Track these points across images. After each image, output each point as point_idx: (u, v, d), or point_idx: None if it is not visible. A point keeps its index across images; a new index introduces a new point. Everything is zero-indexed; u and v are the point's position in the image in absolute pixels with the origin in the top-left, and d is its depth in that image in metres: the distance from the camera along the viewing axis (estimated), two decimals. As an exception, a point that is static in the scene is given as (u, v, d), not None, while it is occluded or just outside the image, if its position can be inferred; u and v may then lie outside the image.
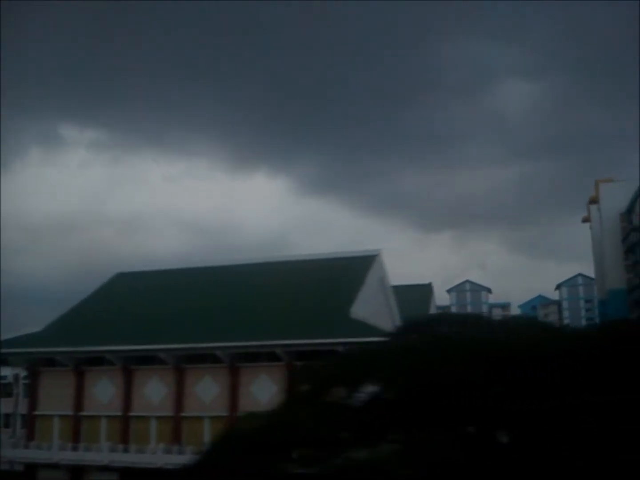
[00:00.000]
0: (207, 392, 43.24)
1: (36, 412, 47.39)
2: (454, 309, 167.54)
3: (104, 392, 46.14)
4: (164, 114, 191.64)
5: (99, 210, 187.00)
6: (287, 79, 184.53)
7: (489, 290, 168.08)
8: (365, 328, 38.16)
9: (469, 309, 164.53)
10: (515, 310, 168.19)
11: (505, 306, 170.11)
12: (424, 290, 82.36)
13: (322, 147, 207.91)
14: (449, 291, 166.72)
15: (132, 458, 41.67)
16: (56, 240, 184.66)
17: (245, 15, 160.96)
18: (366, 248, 52.57)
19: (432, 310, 76.36)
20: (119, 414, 44.82)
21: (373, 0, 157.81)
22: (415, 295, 74.39)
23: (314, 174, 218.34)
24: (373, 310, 49.73)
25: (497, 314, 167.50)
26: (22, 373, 55.79)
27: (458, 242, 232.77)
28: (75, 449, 43.90)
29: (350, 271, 49.68)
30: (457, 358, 15.14)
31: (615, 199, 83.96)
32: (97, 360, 46.15)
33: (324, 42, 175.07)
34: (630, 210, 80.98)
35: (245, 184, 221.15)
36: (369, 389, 16.37)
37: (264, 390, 40.21)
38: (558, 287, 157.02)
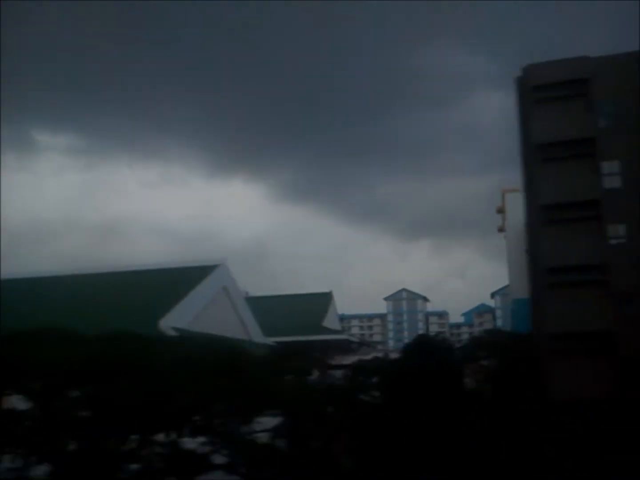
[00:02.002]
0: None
1: None
2: (390, 317, 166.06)
3: None
4: (138, 119, 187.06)
5: (74, 216, 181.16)
6: (264, 85, 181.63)
7: (425, 299, 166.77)
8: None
9: (405, 318, 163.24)
10: (458, 319, 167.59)
11: (442, 315, 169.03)
12: (323, 299, 79.90)
13: (300, 154, 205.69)
14: (385, 299, 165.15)
15: None
16: (31, 247, 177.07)
17: (221, 21, 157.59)
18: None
19: (331, 319, 73.70)
20: None
21: (353, 8, 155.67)
22: (313, 304, 71.70)
23: (291, 180, 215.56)
24: (209, 320, 45.85)
25: (433, 322, 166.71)
26: None
27: (437, 250, 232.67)
28: None
29: (181, 281, 45.80)
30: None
31: (520, 209, 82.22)
32: None
33: (302, 49, 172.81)
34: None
35: (223, 190, 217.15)
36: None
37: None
38: (492, 295, 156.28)
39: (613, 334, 28.55)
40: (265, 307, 71.90)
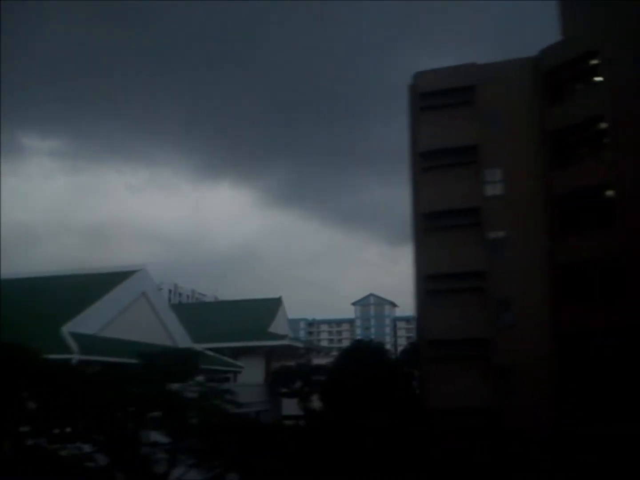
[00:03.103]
0: None
1: None
2: (358, 322, 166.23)
3: None
4: (125, 123, 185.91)
5: (61, 220, 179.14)
6: (252, 91, 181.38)
7: (393, 304, 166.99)
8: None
9: (373, 322, 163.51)
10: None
11: (409, 319, 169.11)
12: (272, 305, 79.85)
13: (288, 160, 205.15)
14: (353, 304, 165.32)
15: None
16: (17, 251, 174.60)
17: (209, 29, 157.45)
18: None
19: (280, 324, 73.53)
20: None
21: (339, 17, 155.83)
22: (261, 309, 71.56)
23: (279, 185, 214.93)
24: (124, 326, 45.51)
25: (401, 327, 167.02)
26: None
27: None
28: None
29: (95, 287, 45.46)
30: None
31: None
32: None
33: (289, 56, 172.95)
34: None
35: (210, 194, 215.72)
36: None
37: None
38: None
39: (489, 341, 28.78)
40: (214, 313, 71.85)
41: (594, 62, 28.24)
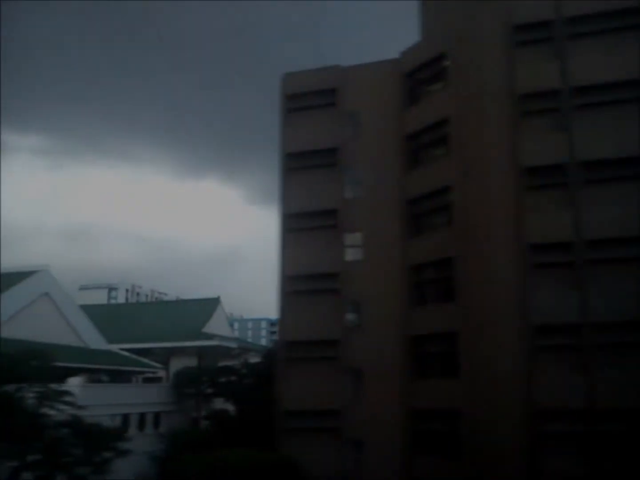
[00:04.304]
0: None
1: None
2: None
3: None
4: (106, 120, 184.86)
5: (40, 218, 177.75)
6: (234, 88, 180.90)
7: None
8: None
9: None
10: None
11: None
12: (209, 305, 79.86)
13: (273, 156, 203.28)
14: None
15: None
16: None
17: (189, 24, 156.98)
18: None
19: (218, 324, 73.48)
20: None
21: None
22: (198, 310, 71.49)
23: (265, 183, 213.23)
24: (22, 326, 45.26)
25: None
26: None
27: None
28: None
29: None
30: None
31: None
32: None
33: (274, 51, 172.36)
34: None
35: (193, 192, 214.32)
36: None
37: None
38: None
39: (340, 342, 28.76)
40: (152, 313, 71.60)
41: (447, 64, 28.19)
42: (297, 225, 30.60)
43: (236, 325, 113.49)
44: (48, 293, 49.08)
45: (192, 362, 50.52)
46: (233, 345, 70.85)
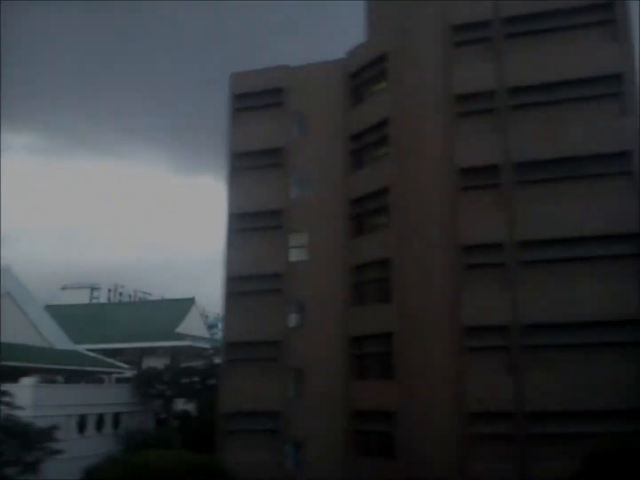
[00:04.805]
0: None
1: None
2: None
3: None
4: (97, 117, 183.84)
5: (30, 218, 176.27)
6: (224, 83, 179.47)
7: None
8: None
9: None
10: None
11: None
12: (184, 305, 79.90)
13: None
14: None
15: None
16: None
17: (176, 17, 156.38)
18: None
19: (193, 325, 73.43)
20: None
21: None
22: (172, 310, 71.41)
23: None
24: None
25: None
26: None
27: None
28: None
29: None
30: None
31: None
32: None
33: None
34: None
35: (188, 191, 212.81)
36: None
37: None
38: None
39: (282, 343, 28.69)
40: (128, 313, 71.40)
41: (388, 64, 28.12)
42: (243, 226, 30.52)
43: (220, 325, 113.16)
44: (9, 293, 48.87)
45: (164, 362, 50.44)
46: (206, 345, 70.68)
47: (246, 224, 30.47)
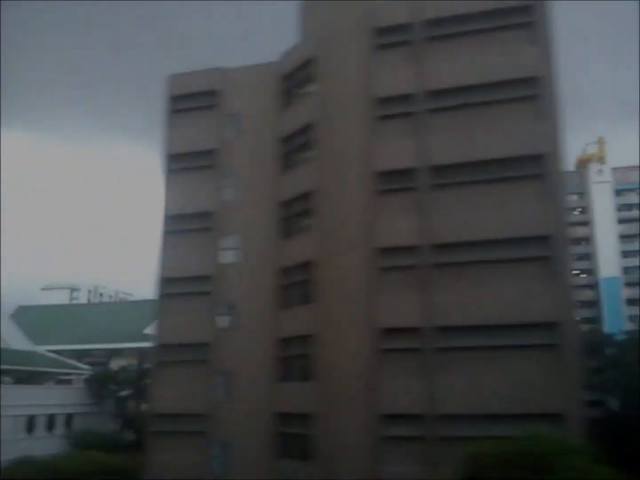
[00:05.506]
0: None
1: None
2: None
3: None
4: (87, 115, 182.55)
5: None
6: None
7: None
8: None
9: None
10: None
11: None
12: (153, 306, 79.74)
13: None
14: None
15: None
16: None
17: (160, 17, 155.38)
18: None
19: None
20: None
21: None
22: (142, 311, 71.38)
23: None
24: None
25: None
26: None
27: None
28: None
29: None
30: None
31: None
32: None
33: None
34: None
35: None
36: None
37: None
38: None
39: (212, 345, 28.71)
40: (96, 314, 71.25)
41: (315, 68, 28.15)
42: (177, 227, 30.53)
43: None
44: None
45: (133, 363, 50.40)
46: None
47: (180, 226, 30.46)
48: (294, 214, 28.19)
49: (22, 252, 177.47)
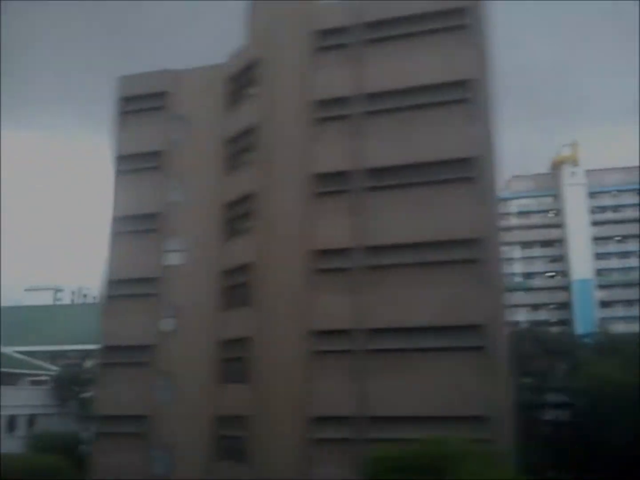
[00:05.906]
0: None
1: None
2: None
3: None
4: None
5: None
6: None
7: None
8: None
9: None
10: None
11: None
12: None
13: None
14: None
15: None
16: None
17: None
18: None
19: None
20: None
21: None
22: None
23: None
24: None
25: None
26: None
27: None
28: None
29: None
30: None
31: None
32: None
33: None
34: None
35: None
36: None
37: None
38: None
39: (155, 347, 28.71)
40: (71, 315, 71.09)
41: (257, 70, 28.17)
42: (123, 229, 30.51)
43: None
44: None
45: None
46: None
47: (127, 227, 30.45)
48: (238, 215, 28.19)
49: (6, 253, 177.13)
